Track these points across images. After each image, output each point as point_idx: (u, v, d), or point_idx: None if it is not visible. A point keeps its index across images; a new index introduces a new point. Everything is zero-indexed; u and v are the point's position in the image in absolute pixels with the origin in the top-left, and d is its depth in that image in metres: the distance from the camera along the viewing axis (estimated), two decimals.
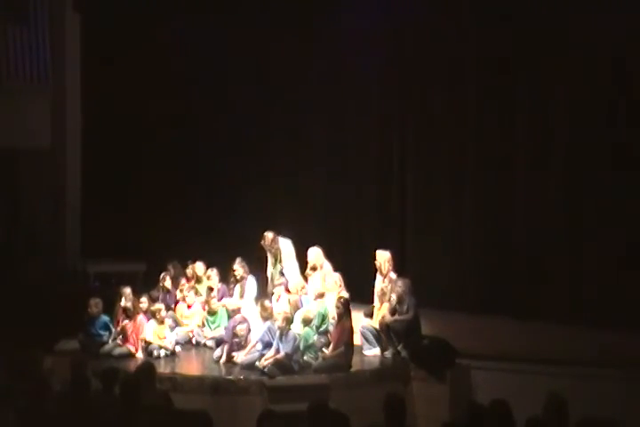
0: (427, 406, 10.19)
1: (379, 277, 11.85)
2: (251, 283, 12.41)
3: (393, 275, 11.69)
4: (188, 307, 12.41)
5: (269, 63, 14.91)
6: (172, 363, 11.19)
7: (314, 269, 12.11)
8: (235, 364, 10.85)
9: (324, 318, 11.26)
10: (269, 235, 12.53)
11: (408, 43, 14.01)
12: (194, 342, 12.04)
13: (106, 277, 13.81)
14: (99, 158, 14.99)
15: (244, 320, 11.30)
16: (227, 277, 12.57)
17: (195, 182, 15.19)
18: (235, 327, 11.15)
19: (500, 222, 13.23)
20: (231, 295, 12.35)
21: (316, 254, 12.15)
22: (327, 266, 12.16)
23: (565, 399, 6.54)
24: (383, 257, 11.80)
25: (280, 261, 12.50)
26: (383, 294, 11.54)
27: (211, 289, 12.27)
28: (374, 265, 11.90)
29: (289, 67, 14.79)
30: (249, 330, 11.18)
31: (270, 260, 12.64)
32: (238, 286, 12.39)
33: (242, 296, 12.32)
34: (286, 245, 12.59)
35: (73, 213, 14.94)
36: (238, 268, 12.40)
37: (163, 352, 11.33)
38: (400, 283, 11.33)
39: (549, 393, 6.63)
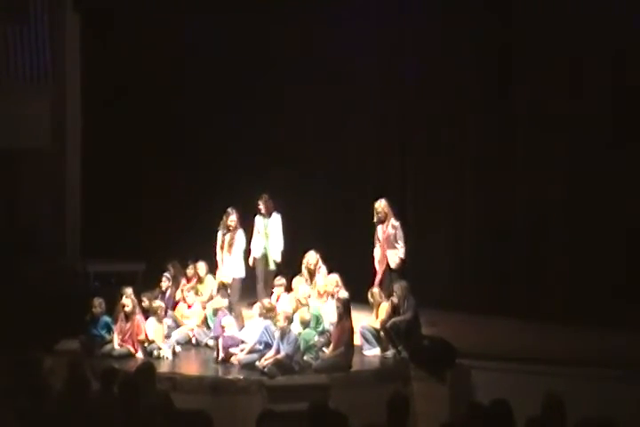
0: (427, 406, 10.17)
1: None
2: (240, 235, 12.51)
3: (395, 222, 11.67)
4: (189, 307, 12.41)
5: (269, 64, 14.91)
6: (172, 363, 11.18)
7: (311, 273, 12.13)
8: (233, 363, 10.86)
9: (317, 319, 11.26)
10: (266, 196, 12.70)
11: (408, 42, 14.05)
12: (193, 341, 12.03)
13: (106, 277, 13.79)
14: (99, 158, 14.99)
15: (225, 314, 11.44)
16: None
17: (195, 182, 15.19)
18: (220, 321, 11.22)
19: (500, 222, 13.24)
20: (222, 247, 12.50)
21: (313, 257, 12.16)
22: (323, 270, 12.18)
23: (563, 399, 6.54)
24: (381, 205, 11.79)
25: (231, 247, 12.52)
26: (379, 296, 11.55)
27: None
28: (372, 263, 11.91)
29: (288, 67, 14.82)
30: (233, 323, 11.22)
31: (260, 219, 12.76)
32: (228, 236, 12.48)
33: (230, 246, 12.40)
34: (276, 219, 12.68)
35: (73, 213, 14.94)
36: (235, 218, 12.47)
37: (163, 352, 11.32)
38: (397, 287, 11.36)
39: (547, 393, 6.63)
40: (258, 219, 12.91)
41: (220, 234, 12.63)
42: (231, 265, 12.47)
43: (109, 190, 15.03)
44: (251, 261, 12.76)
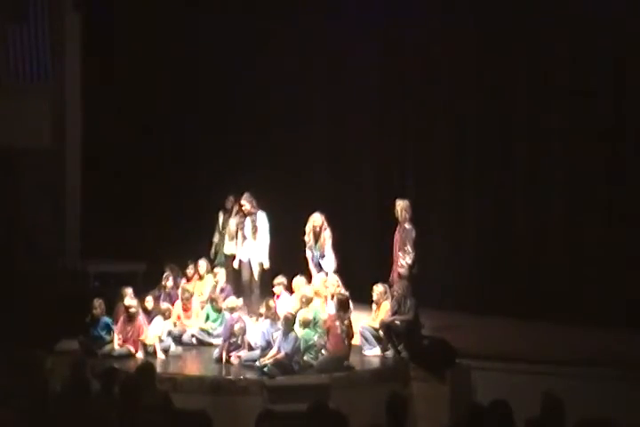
0: (427, 407, 10.17)
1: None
2: (262, 218, 12.39)
3: (408, 225, 11.58)
4: (187, 310, 12.37)
5: (268, 63, 14.92)
6: (172, 363, 11.18)
7: (316, 233, 12.12)
8: (233, 364, 10.86)
9: (316, 320, 11.22)
10: (248, 198, 12.46)
11: (408, 41, 14.07)
12: (193, 341, 12.00)
13: (106, 277, 13.79)
14: (99, 158, 15.00)
15: (240, 319, 11.30)
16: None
17: (195, 182, 15.20)
18: (232, 326, 11.14)
19: (500, 222, 13.24)
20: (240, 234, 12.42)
21: (318, 219, 12.15)
22: (328, 233, 12.15)
23: (561, 399, 6.55)
24: (400, 205, 11.70)
25: (255, 231, 12.45)
26: (383, 294, 11.52)
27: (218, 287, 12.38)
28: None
29: (288, 66, 14.84)
30: (244, 330, 11.16)
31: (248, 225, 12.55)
32: (249, 221, 12.35)
33: (255, 232, 12.30)
34: (262, 218, 12.55)
35: (73, 213, 14.95)
36: (245, 203, 12.35)
37: (173, 349, 11.35)
38: (399, 285, 11.34)
39: (544, 393, 6.64)
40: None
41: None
42: (256, 251, 12.40)
43: (109, 190, 15.03)
44: (236, 264, 12.72)
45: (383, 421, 6.40)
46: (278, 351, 10.48)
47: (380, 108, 14.50)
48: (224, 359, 10.93)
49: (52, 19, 14.56)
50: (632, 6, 12.07)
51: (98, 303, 11.58)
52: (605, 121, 12.30)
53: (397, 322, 11.15)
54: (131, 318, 11.48)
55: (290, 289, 12.01)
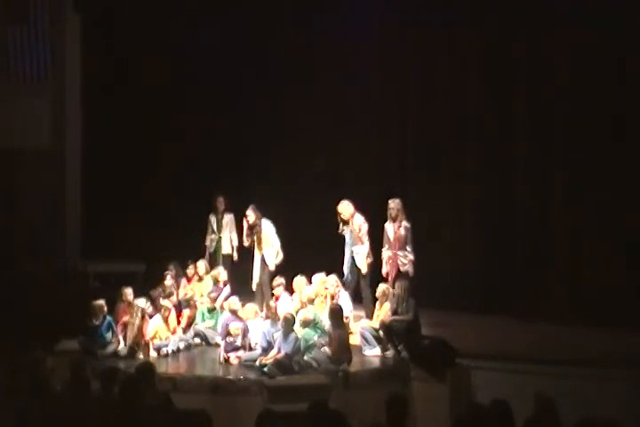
0: (427, 406, 10.16)
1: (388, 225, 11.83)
2: (267, 226, 12.47)
3: (407, 223, 11.65)
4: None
5: (269, 62, 14.93)
6: (172, 363, 11.18)
7: (345, 222, 12.13)
8: (233, 364, 10.86)
9: (316, 321, 11.21)
10: (253, 209, 12.55)
11: (409, 37, 14.07)
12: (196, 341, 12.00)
13: (106, 277, 13.80)
14: (99, 158, 15.00)
15: (238, 319, 11.30)
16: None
17: (195, 182, 15.19)
18: (228, 326, 11.13)
19: (500, 222, 13.24)
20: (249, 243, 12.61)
21: (345, 207, 12.15)
22: (359, 218, 12.13)
23: (552, 399, 6.55)
24: (398, 204, 11.74)
25: (260, 242, 12.51)
26: (383, 294, 11.51)
27: (217, 282, 12.47)
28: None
29: (290, 65, 14.85)
30: (244, 330, 11.14)
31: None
32: (253, 233, 12.50)
33: (259, 243, 12.38)
34: (267, 226, 12.59)
35: (73, 213, 14.95)
36: (250, 213, 12.44)
37: (169, 349, 11.31)
38: (398, 285, 11.35)
39: (536, 394, 6.65)
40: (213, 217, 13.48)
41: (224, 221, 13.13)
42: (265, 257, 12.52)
43: (109, 190, 15.03)
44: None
45: (383, 421, 6.41)
46: (278, 352, 10.49)
47: (382, 109, 14.50)
48: (224, 359, 10.93)
49: (52, 19, 14.58)
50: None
51: (100, 304, 11.57)
52: (606, 119, 12.32)
53: (397, 322, 11.12)
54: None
55: (290, 289, 12.02)
